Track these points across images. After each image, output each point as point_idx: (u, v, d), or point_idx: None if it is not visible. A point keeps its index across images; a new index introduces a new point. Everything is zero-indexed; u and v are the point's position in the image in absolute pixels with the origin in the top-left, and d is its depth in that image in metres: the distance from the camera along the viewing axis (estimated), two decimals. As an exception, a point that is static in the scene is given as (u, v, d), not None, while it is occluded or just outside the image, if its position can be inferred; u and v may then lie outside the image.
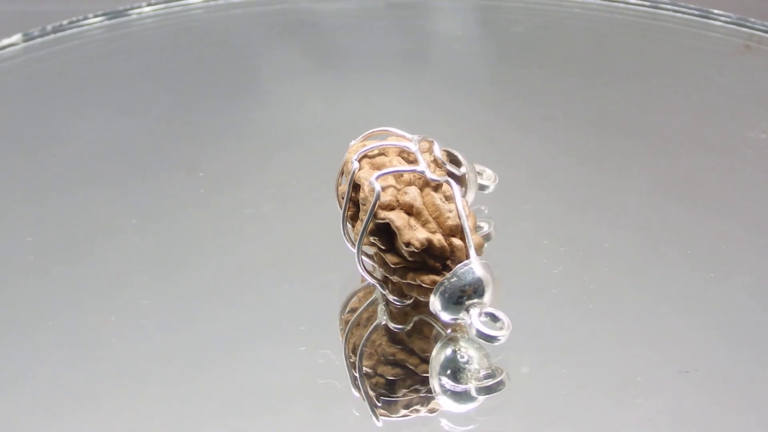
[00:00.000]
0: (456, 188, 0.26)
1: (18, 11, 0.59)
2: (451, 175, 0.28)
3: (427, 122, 0.38)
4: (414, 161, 0.27)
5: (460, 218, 0.26)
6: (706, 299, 0.30)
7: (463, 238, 0.26)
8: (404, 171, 0.27)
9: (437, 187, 0.27)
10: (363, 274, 0.27)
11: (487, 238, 0.30)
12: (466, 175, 0.29)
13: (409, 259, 0.26)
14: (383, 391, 0.26)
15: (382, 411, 0.26)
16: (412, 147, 0.27)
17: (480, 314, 0.25)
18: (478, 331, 0.25)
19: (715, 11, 0.48)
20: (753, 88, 0.44)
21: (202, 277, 0.31)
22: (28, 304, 0.30)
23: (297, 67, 0.48)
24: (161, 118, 0.42)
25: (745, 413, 0.26)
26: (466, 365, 0.26)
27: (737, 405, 0.26)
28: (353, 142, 0.28)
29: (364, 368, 0.27)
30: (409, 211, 0.26)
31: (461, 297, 0.25)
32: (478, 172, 0.31)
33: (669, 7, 0.50)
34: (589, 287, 0.30)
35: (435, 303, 0.26)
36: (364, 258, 0.27)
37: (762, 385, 0.27)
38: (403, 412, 0.26)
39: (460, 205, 0.26)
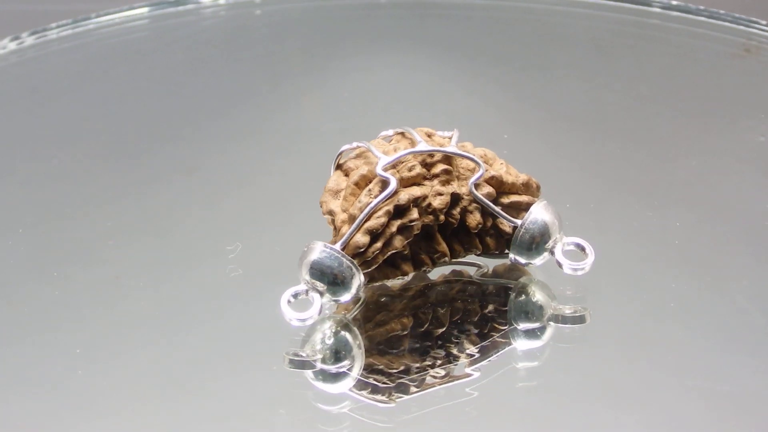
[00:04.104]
0: (387, 191, 0.26)
1: (18, 11, 0.59)
2: (488, 214, 0.28)
3: (428, 123, 0.38)
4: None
5: (361, 213, 0.26)
6: (703, 303, 0.30)
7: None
8: (372, 151, 0.27)
9: (383, 182, 0.27)
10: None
11: (578, 320, 0.28)
12: (521, 233, 0.27)
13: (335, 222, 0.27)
14: None
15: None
16: (423, 146, 0.28)
17: (298, 294, 0.26)
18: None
19: (715, 11, 0.48)
20: (752, 91, 0.44)
21: (201, 278, 0.31)
22: (25, 305, 0.30)
23: (297, 68, 0.48)
24: (161, 118, 0.43)
25: (743, 418, 0.26)
26: (315, 338, 0.27)
27: (735, 409, 0.26)
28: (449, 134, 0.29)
29: None
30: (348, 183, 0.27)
31: (302, 272, 0.26)
32: (579, 247, 0.28)
33: (668, 7, 0.50)
34: (583, 290, 0.30)
35: None
36: None
37: (760, 389, 0.27)
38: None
39: (371, 204, 0.26)
